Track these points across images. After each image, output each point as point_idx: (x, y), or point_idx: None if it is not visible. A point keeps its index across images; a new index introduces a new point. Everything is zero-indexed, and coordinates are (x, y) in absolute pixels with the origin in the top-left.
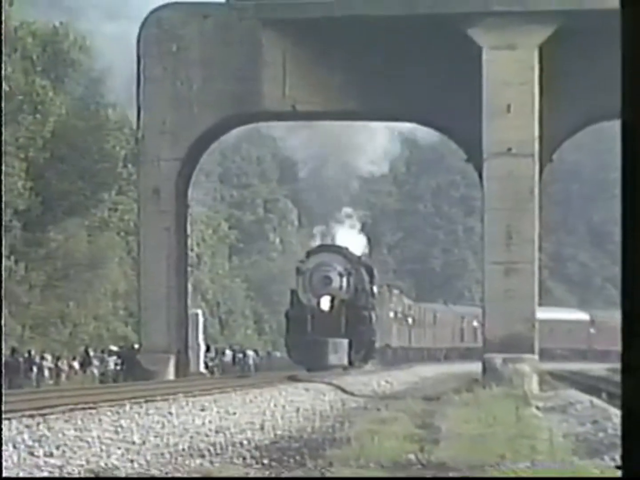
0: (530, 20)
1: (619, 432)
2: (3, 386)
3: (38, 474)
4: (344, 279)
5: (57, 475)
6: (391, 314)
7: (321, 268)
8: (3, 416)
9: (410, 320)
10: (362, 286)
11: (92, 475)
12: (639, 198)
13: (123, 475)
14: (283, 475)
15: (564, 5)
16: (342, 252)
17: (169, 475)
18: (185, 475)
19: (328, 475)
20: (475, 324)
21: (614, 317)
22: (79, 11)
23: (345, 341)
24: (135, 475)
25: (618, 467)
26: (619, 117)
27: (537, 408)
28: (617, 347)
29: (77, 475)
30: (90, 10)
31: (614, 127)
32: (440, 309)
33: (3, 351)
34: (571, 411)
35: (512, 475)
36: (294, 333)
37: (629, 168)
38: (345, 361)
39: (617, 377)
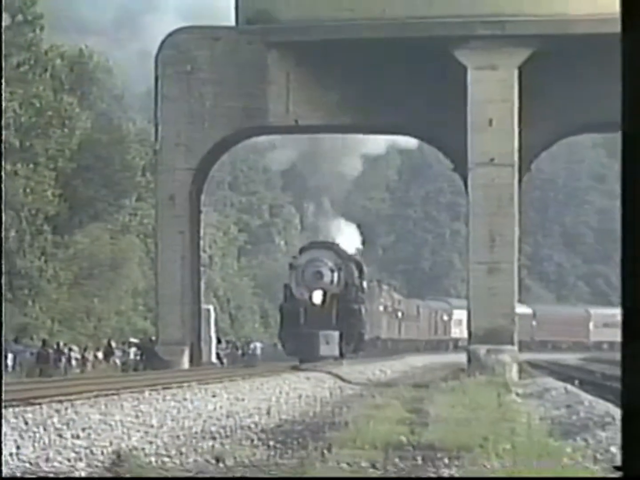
0: (510, 44)
1: (589, 415)
2: (11, 377)
3: (66, 455)
4: (335, 274)
5: (60, 475)
6: (381, 308)
7: (313, 263)
8: (33, 401)
9: (399, 314)
10: (352, 281)
11: (94, 475)
12: (639, 210)
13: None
14: (286, 476)
15: (540, 30)
16: (333, 248)
17: (169, 475)
18: (187, 475)
19: (330, 457)
20: (445, 317)
21: (552, 311)
22: (103, 35)
23: (336, 333)
24: (135, 475)
25: (618, 468)
26: (590, 132)
27: (517, 394)
28: (553, 337)
29: (77, 475)
30: (114, 34)
31: (585, 140)
32: (422, 304)
33: (3, 349)
34: (547, 397)
35: (512, 475)
36: (287, 325)
37: (629, 181)
38: (337, 352)
39: (589, 366)
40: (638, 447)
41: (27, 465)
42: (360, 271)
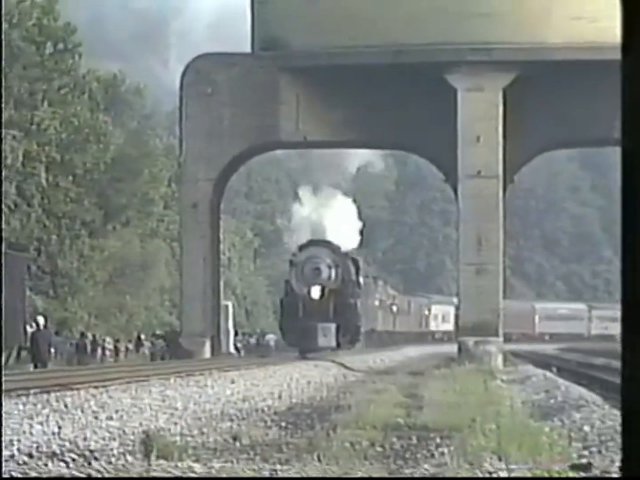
0: (496, 69)
1: (565, 399)
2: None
3: (101, 434)
4: (332, 270)
5: (59, 475)
6: (376, 302)
7: (312, 260)
8: (72, 387)
9: (394, 308)
10: (349, 277)
11: (98, 476)
12: (639, 225)
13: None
14: (286, 476)
15: (522, 57)
16: (331, 246)
17: (170, 475)
18: (187, 476)
19: (335, 436)
20: (426, 312)
21: (509, 305)
22: (134, 60)
23: (334, 326)
24: (142, 475)
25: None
26: (566, 147)
27: (502, 380)
28: (513, 329)
29: (79, 475)
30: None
31: (562, 154)
32: (413, 299)
33: (3, 347)
34: (528, 383)
35: (512, 475)
36: (287, 318)
37: (629, 197)
38: (334, 344)
39: (565, 355)
40: (638, 447)
41: (67, 444)
42: (357, 268)
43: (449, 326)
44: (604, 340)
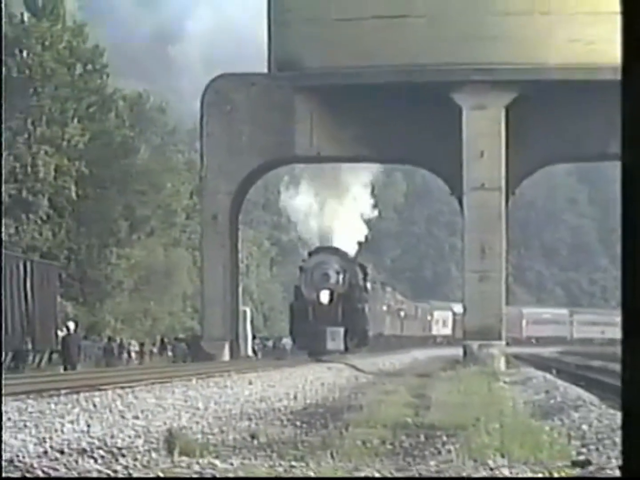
0: (498, 88)
1: (564, 399)
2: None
3: (127, 432)
4: (341, 276)
5: (59, 476)
6: (384, 307)
7: (321, 266)
8: (100, 388)
9: (402, 313)
10: (357, 282)
11: (102, 476)
12: (639, 241)
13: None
14: (287, 476)
15: (523, 77)
16: (339, 252)
17: (170, 475)
18: (187, 476)
19: (347, 435)
20: (428, 317)
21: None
22: (158, 79)
23: (342, 329)
24: (153, 475)
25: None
26: (564, 162)
27: (504, 382)
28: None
29: (81, 475)
30: (167, 78)
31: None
32: (420, 305)
33: (3, 347)
34: (529, 384)
35: (513, 476)
36: (297, 322)
37: (629, 213)
38: (342, 347)
39: (564, 358)
40: (638, 447)
41: (96, 442)
42: (364, 274)
43: (448, 331)
44: (585, 343)
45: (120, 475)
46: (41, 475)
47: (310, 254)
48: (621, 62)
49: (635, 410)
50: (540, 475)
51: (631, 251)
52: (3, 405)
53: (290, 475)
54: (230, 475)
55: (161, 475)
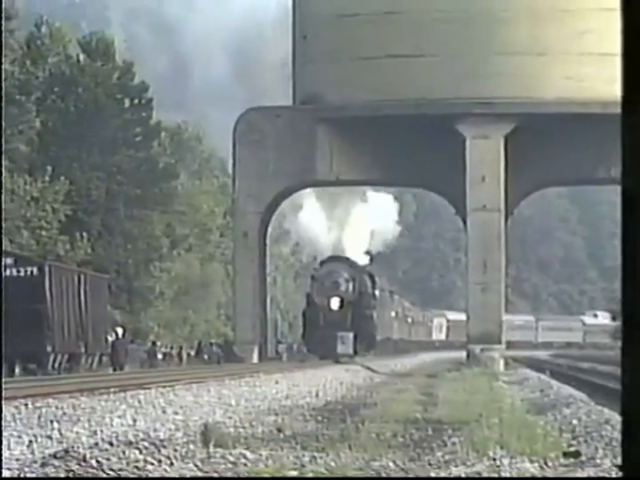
0: (498, 120)
1: (557, 397)
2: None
3: (168, 426)
4: (350, 284)
5: (59, 475)
6: (393, 314)
7: (331, 275)
8: (144, 386)
9: (410, 319)
10: (365, 290)
11: (103, 476)
12: (638, 261)
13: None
14: (288, 476)
15: (520, 109)
16: (349, 262)
17: (171, 475)
18: (187, 476)
19: (363, 429)
20: (429, 323)
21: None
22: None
23: (351, 334)
24: (161, 475)
25: (618, 468)
26: (557, 185)
27: (503, 382)
28: (463, 337)
29: (83, 475)
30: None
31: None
32: (426, 313)
33: (3, 349)
34: (526, 384)
35: (513, 476)
36: (309, 328)
37: (629, 237)
38: (351, 351)
39: (556, 360)
40: (638, 446)
41: (141, 435)
42: (373, 282)
43: (443, 336)
44: (547, 346)
45: (121, 475)
46: (40, 475)
47: (321, 263)
48: (621, 93)
49: (635, 411)
50: (535, 467)
51: (631, 274)
52: (3, 406)
53: (314, 464)
54: (260, 465)
55: (161, 475)
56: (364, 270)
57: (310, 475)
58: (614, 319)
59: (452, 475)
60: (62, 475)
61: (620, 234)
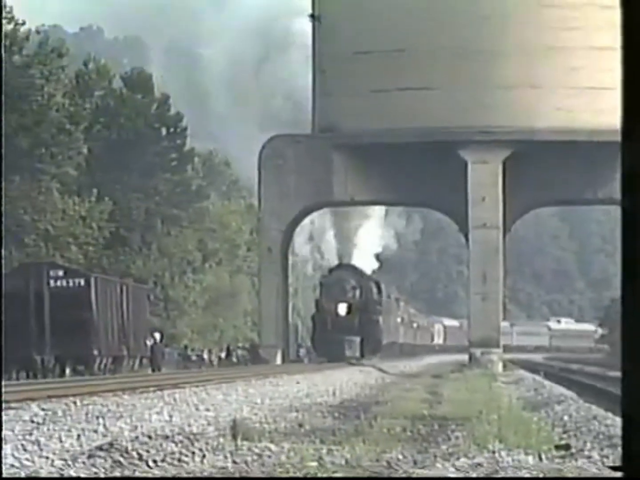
0: (497, 146)
1: (549, 396)
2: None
3: (200, 422)
4: (357, 290)
5: (60, 475)
6: (398, 320)
7: (339, 282)
8: (179, 386)
9: (415, 324)
10: (371, 296)
11: (103, 476)
12: (638, 286)
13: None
14: (287, 476)
15: (516, 137)
16: (356, 270)
17: (171, 475)
18: (186, 476)
19: (375, 424)
20: (431, 329)
21: (464, 322)
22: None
23: (358, 338)
24: (138, 476)
25: (618, 468)
26: (549, 205)
27: (502, 382)
28: (462, 341)
29: (83, 474)
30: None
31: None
32: (428, 319)
33: (3, 352)
34: (521, 383)
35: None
36: (318, 332)
37: (630, 253)
38: (358, 354)
39: (549, 363)
40: (638, 447)
41: (176, 429)
42: (379, 289)
43: (441, 341)
44: (521, 350)
45: (121, 475)
46: (44, 474)
47: (330, 271)
48: (621, 120)
49: (635, 413)
50: (530, 459)
51: (630, 292)
52: (3, 410)
53: (332, 457)
54: (283, 455)
55: (157, 474)
56: (370, 278)
57: (327, 467)
58: (600, 325)
59: (456, 464)
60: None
61: (621, 250)
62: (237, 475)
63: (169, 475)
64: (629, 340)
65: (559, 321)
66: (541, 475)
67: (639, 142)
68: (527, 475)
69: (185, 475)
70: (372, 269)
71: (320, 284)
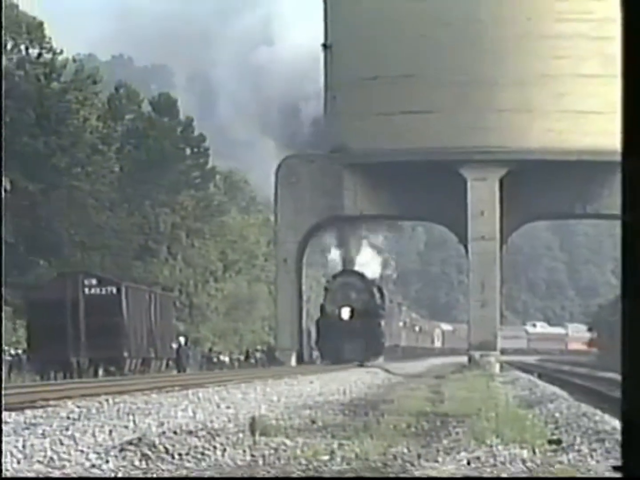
0: (494, 165)
1: (543, 394)
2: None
3: (222, 419)
4: (360, 295)
5: (59, 475)
6: (401, 324)
7: (343, 287)
8: (202, 385)
9: (417, 328)
10: (374, 301)
11: (102, 475)
12: (638, 296)
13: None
14: (286, 476)
15: (512, 157)
16: (359, 275)
17: (171, 475)
18: (186, 476)
19: (382, 421)
20: (432, 333)
21: (457, 327)
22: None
23: (360, 341)
24: (138, 476)
25: (618, 468)
26: (542, 219)
27: (499, 382)
28: (456, 344)
29: (82, 474)
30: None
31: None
32: (429, 323)
33: (3, 353)
34: (517, 383)
35: (513, 476)
36: (322, 335)
37: (629, 265)
38: (360, 356)
39: (543, 364)
40: (638, 447)
41: (199, 425)
42: (381, 294)
43: (439, 344)
44: (504, 352)
45: (123, 475)
46: (48, 474)
47: (334, 277)
48: (621, 138)
49: (634, 414)
50: (525, 453)
51: (631, 310)
52: (3, 411)
53: (342, 450)
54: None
55: (158, 475)
56: (373, 283)
57: (338, 460)
58: (589, 330)
59: (456, 458)
60: (138, 458)
61: (621, 263)
62: (236, 475)
63: (186, 473)
64: (628, 344)
65: (534, 325)
66: (541, 475)
67: (638, 159)
68: (526, 475)
69: (183, 474)
70: (379, 276)
71: (325, 289)
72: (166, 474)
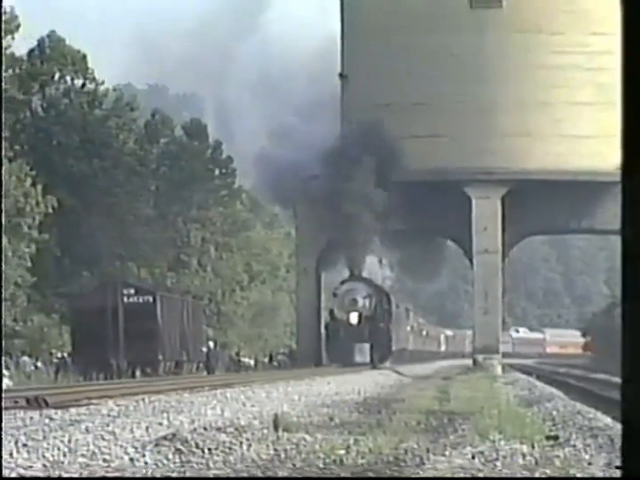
0: (496, 184)
1: (541, 394)
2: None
3: (247, 416)
4: (367, 301)
5: (60, 475)
6: (408, 328)
7: (350, 292)
8: (230, 386)
9: (424, 332)
10: (381, 306)
11: (103, 475)
12: (638, 313)
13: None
14: (286, 476)
15: (512, 177)
16: (367, 281)
17: (171, 475)
18: (186, 476)
19: (394, 418)
20: (438, 337)
21: (460, 333)
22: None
23: (368, 345)
24: (139, 475)
25: (618, 468)
26: (540, 234)
27: (501, 383)
28: (458, 348)
29: (82, 475)
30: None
31: (537, 238)
32: (435, 328)
33: (3, 355)
34: (517, 384)
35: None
36: (331, 340)
37: (629, 278)
38: (368, 360)
39: (541, 366)
40: (638, 447)
41: (227, 422)
42: (388, 299)
43: (443, 348)
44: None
45: (125, 475)
46: (45, 474)
47: (342, 282)
48: (621, 156)
49: (634, 416)
50: (525, 448)
51: (631, 320)
52: (3, 411)
53: (357, 445)
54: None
55: (156, 475)
56: (380, 289)
57: (353, 454)
58: (584, 335)
59: (462, 452)
60: (172, 452)
61: (621, 277)
62: (238, 475)
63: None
64: (628, 347)
65: (517, 330)
66: (542, 475)
67: (638, 175)
68: (525, 473)
69: (188, 474)
70: (390, 285)
71: (334, 295)
72: (196, 467)
